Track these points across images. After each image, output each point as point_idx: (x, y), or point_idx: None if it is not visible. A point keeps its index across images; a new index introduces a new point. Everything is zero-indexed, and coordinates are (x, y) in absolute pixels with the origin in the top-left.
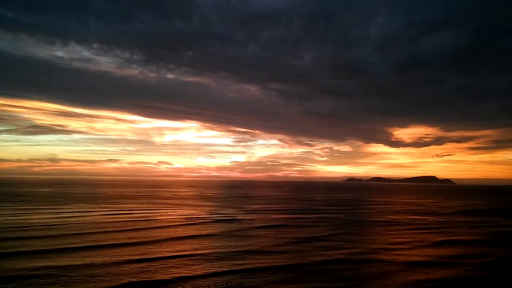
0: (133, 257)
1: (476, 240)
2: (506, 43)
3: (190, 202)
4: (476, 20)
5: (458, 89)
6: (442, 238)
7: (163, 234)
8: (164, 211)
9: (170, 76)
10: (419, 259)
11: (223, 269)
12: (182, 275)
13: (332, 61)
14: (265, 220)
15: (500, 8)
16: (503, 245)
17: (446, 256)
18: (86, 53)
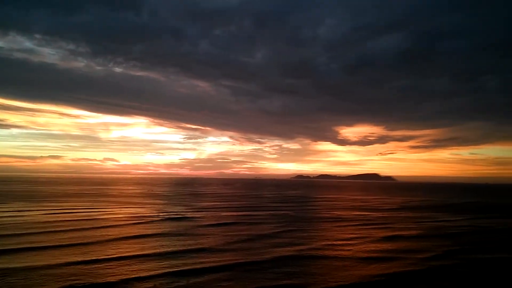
0: (76, 259)
1: (418, 235)
2: (446, 47)
3: (138, 200)
4: (419, 25)
5: (402, 90)
6: (387, 234)
7: (109, 234)
8: (110, 209)
9: (118, 70)
10: (365, 254)
11: (171, 269)
12: (128, 277)
13: (283, 60)
14: (215, 217)
15: (442, 14)
16: (444, 239)
17: (391, 251)
18: (28, 44)
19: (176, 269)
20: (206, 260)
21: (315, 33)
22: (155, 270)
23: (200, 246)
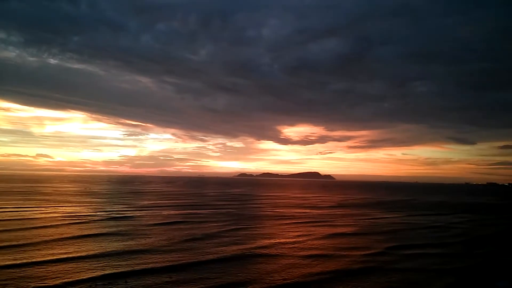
0: (5, 263)
1: (358, 232)
2: (381, 53)
3: (74, 198)
4: (356, 31)
5: (340, 92)
6: (329, 231)
7: (42, 235)
8: (44, 209)
9: (53, 61)
10: (309, 252)
11: (110, 271)
12: (64, 280)
13: (227, 58)
14: (158, 216)
15: (377, 21)
16: (381, 236)
17: (334, 248)
18: None
19: (115, 271)
20: (148, 261)
21: (258, 34)
22: (92, 272)
23: (142, 247)
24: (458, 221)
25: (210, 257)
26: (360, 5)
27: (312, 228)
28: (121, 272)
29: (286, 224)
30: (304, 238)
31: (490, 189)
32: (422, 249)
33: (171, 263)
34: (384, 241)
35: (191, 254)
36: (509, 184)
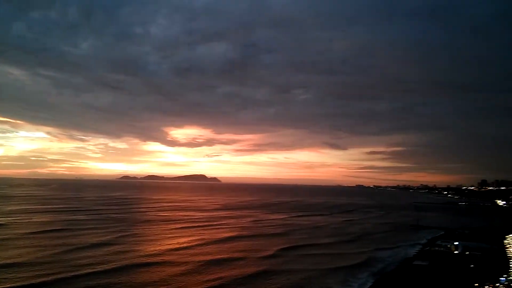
0: None
1: (249, 234)
2: (267, 60)
3: None
4: (244, 37)
5: (227, 96)
6: (221, 235)
7: None
8: None
9: None
10: (203, 258)
11: None
12: None
13: (112, 54)
14: (33, 224)
15: (264, 29)
16: (272, 238)
17: (228, 252)
18: None
19: None
20: (13, 276)
21: (146, 31)
22: None
23: (9, 261)
24: (338, 221)
25: (89, 270)
26: (249, 12)
27: (202, 232)
28: None
29: (175, 228)
30: (195, 243)
31: (359, 190)
32: (310, 250)
33: (44, 279)
34: (276, 243)
35: (70, 267)
36: (374, 186)
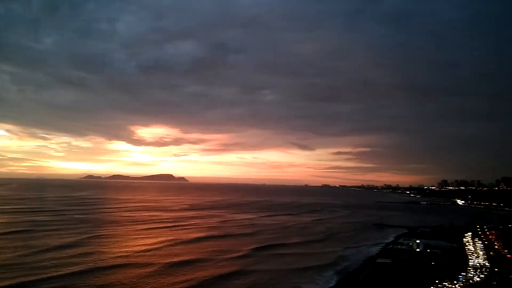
0: None
1: (220, 235)
2: (235, 60)
3: None
4: (212, 36)
5: (195, 95)
6: (190, 235)
7: None
8: None
9: None
10: (172, 259)
11: None
12: None
13: (76, 50)
14: None
15: (232, 29)
16: (243, 238)
17: (197, 253)
18: None
19: None
20: None
21: (112, 28)
22: None
23: None
24: (306, 221)
25: (54, 273)
26: (217, 12)
27: (170, 233)
28: None
29: (142, 229)
30: (163, 244)
31: (325, 190)
32: (279, 250)
33: (2, 284)
34: (245, 243)
35: (30, 271)
36: (340, 186)
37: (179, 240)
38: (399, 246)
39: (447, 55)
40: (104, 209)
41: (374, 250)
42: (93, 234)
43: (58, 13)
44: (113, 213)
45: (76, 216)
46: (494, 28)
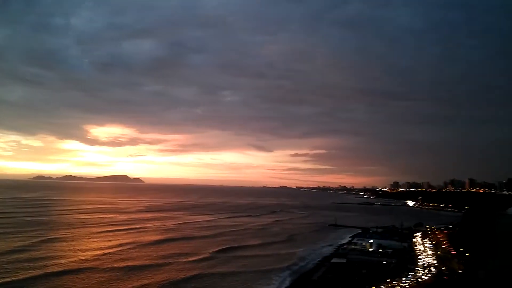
0: None
1: (178, 237)
2: (195, 60)
3: None
4: (172, 35)
5: (154, 95)
6: (147, 238)
7: None
8: None
9: None
10: (127, 263)
11: None
12: None
13: (29, 45)
14: None
15: (192, 29)
16: (203, 240)
17: (156, 257)
18: None
19: None
20: None
21: (67, 23)
22: None
23: None
24: (265, 222)
25: (0, 280)
26: (178, 11)
27: (126, 236)
28: None
29: (96, 232)
30: (119, 248)
31: (283, 191)
32: (239, 252)
33: None
34: (205, 246)
35: None
36: (296, 187)
37: (136, 243)
38: (353, 246)
39: (404, 60)
40: (56, 211)
41: (329, 250)
42: (45, 238)
43: (10, 6)
44: (66, 216)
45: (27, 218)
46: (450, 35)
